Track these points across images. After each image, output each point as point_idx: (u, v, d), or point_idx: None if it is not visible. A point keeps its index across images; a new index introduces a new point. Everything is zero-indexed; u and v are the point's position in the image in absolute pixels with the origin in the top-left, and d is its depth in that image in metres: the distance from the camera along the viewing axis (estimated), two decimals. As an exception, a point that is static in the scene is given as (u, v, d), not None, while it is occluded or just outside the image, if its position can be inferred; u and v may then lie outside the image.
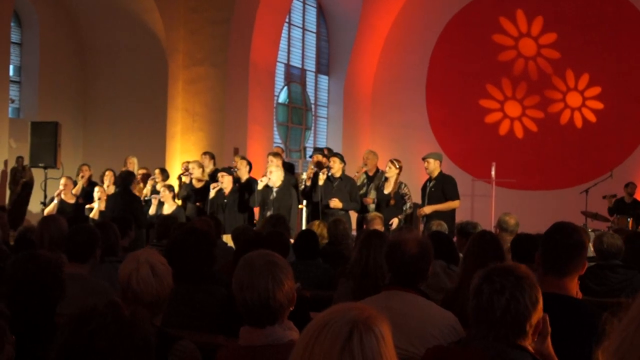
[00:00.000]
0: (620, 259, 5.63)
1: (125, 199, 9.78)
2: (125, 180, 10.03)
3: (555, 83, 18.17)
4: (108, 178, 11.08)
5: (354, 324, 1.59)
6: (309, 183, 10.39)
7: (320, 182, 9.90)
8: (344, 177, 10.03)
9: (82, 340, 1.86)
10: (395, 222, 9.57)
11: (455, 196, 9.74)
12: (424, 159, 9.89)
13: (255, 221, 10.25)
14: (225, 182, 10.08)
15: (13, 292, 3.16)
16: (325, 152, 11.53)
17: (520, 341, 2.54)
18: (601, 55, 17.53)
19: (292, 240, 6.24)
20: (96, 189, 10.61)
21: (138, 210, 9.72)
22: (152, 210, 10.48)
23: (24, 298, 3.14)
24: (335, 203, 9.70)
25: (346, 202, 9.80)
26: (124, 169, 11.66)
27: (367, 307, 1.67)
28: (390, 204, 9.75)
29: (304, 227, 10.37)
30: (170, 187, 10.69)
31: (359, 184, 10.49)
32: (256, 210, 10.28)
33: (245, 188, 10.13)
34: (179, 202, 10.98)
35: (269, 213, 9.42)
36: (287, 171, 10.85)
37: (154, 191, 11.09)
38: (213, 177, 10.90)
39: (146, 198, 10.86)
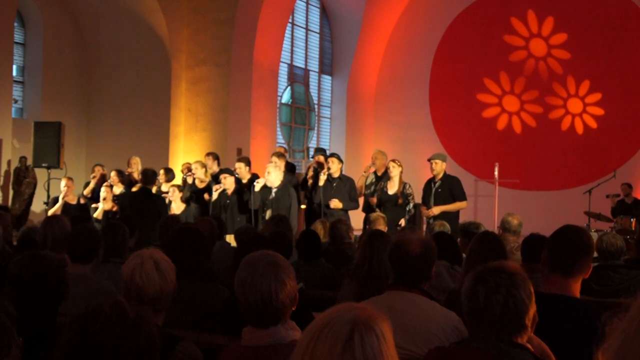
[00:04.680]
0: (624, 259, 5.64)
1: (147, 197, 9.81)
2: (148, 180, 10.04)
3: (556, 89, 18.19)
4: (112, 177, 11.08)
5: (355, 323, 1.60)
6: (310, 182, 10.41)
7: (321, 183, 9.93)
8: (342, 177, 10.10)
9: (86, 340, 1.86)
10: (403, 223, 9.59)
11: (463, 197, 9.80)
12: (430, 160, 9.89)
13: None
14: (228, 183, 10.06)
15: (16, 292, 3.17)
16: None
17: (521, 337, 2.57)
18: (604, 57, 17.53)
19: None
20: (102, 189, 10.62)
21: (161, 208, 9.75)
22: None
23: (27, 298, 3.14)
24: (336, 203, 9.76)
25: (346, 202, 9.85)
26: (128, 169, 11.68)
27: (367, 307, 1.67)
28: (399, 203, 9.78)
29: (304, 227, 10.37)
30: (179, 187, 10.71)
31: (367, 183, 10.52)
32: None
33: (247, 188, 10.10)
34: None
35: (268, 213, 9.42)
36: (289, 172, 10.84)
37: (159, 191, 11.09)
38: (217, 178, 10.88)
39: None
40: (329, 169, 10.02)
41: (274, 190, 9.67)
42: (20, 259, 3.29)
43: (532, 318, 2.59)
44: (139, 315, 1.95)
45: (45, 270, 3.19)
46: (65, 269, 3.31)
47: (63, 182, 10.85)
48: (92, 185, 11.33)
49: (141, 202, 9.83)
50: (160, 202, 9.98)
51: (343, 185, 9.98)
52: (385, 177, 10.31)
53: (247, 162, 10.50)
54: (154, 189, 11.06)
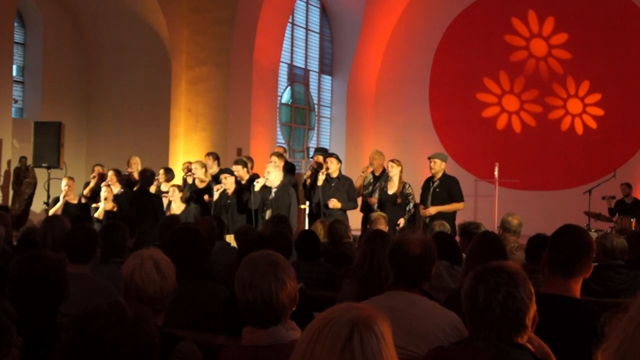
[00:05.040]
0: (625, 260, 5.64)
1: (147, 202, 9.83)
2: (146, 181, 10.06)
3: (555, 90, 18.19)
4: (110, 177, 11.08)
5: (355, 323, 1.60)
6: (308, 182, 10.43)
7: (319, 183, 9.94)
8: (341, 176, 10.11)
9: (86, 340, 1.86)
10: (402, 222, 9.60)
11: (460, 198, 9.78)
12: (430, 158, 9.89)
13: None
14: (228, 183, 10.07)
15: (16, 292, 3.17)
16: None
17: (521, 337, 2.56)
18: (604, 58, 17.53)
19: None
20: (103, 189, 10.63)
21: (159, 209, 9.76)
22: None
23: (27, 298, 3.14)
24: (334, 203, 9.76)
25: (344, 201, 9.85)
26: (128, 169, 11.67)
27: (367, 307, 1.67)
28: (398, 202, 9.78)
29: (307, 227, 10.38)
30: (179, 187, 10.72)
31: (365, 183, 10.53)
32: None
33: (246, 188, 10.11)
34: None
35: (267, 213, 9.42)
36: (288, 171, 10.83)
37: (159, 191, 11.10)
38: (217, 178, 10.88)
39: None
40: (327, 169, 10.03)
41: (274, 190, 9.67)
42: (20, 258, 3.29)
43: (532, 318, 2.58)
44: (138, 315, 1.95)
45: (46, 270, 3.19)
46: (66, 269, 3.31)
47: (64, 182, 10.86)
48: (91, 185, 11.34)
49: (139, 201, 9.85)
50: (157, 202, 9.99)
51: (342, 185, 9.99)
52: (382, 177, 10.32)
53: (245, 164, 10.49)
54: (153, 189, 11.09)
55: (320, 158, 10.65)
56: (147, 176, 10.10)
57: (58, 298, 3.23)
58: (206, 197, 10.65)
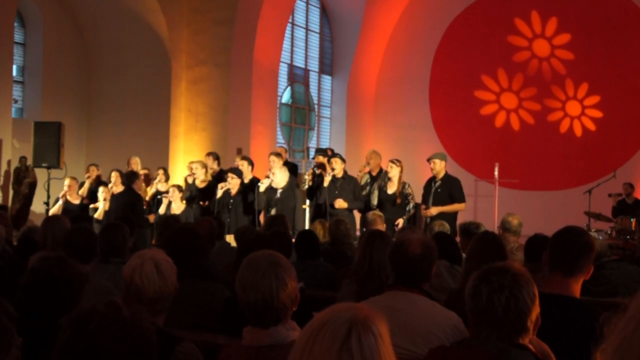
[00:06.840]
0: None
1: (126, 198, 9.94)
2: (128, 179, 10.19)
3: (554, 92, 18.19)
4: (114, 178, 11.10)
5: (352, 323, 1.60)
6: (310, 183, 10.41)
7: (325, 184, 9.91)
8: (346, 176, 10.07)
9: (83, 340, 1.86)
10: (401, 222, 9.57)
11: (462, 198, 9.71)
12: (429, 159, 9.86)
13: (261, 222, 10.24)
14: (233, 184, 10.07)
15: (28, 289, 3.16)
16: (329, 152, 11.52)
17: (522, 339, 2.55)
18: (604, 58, 17.53)
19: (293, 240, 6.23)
20: (100, 189, 10.62)
21: (137, 210, 9.81)
22: (161, 210, 10.52)
23: (40, 299, 3.13)
24: (340, 204, 9.72)
25: (350, 201, 9.82)
26: (128, 169, 11.69)
27: (365, 307, 1.67)
28: (397, 203, 9.76)
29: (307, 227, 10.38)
30: (179, 188, 10.72)
31: (362, 183, 10.52)
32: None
33: (249, 189, 10.12)
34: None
35: (272, 212, 9.43)
36: (289, 171, 10.85)
37: (157, 192, 11.11)
38: (217, 178, 10.87)
39: (158, 197, 10.89)
40: (332, 169, 9.98)
41: (280, 190, 9.68)
42: (43, 257, 3.27)
43: (534, 321, 2.57)
44: (135, 314, 1.95)
45: (66, 276, 3.19)
46: (86, 282, 3.30)
47: (66, 182, 10.85)
48: (87, 185, 11.33)
49: (121, 199, 9.98)
50: (136, 197, 10.13)
51: (347, 185, 9.95)
52: (380, 177, 10.31)
53: (250, 162, 10.53)
54: (151, 190, 11.16)
55: (321, 158, 10.64)
56: (129, 177, 10.33)
57: (69, 303, 3.22)
58: (202, 202, 10.70)
